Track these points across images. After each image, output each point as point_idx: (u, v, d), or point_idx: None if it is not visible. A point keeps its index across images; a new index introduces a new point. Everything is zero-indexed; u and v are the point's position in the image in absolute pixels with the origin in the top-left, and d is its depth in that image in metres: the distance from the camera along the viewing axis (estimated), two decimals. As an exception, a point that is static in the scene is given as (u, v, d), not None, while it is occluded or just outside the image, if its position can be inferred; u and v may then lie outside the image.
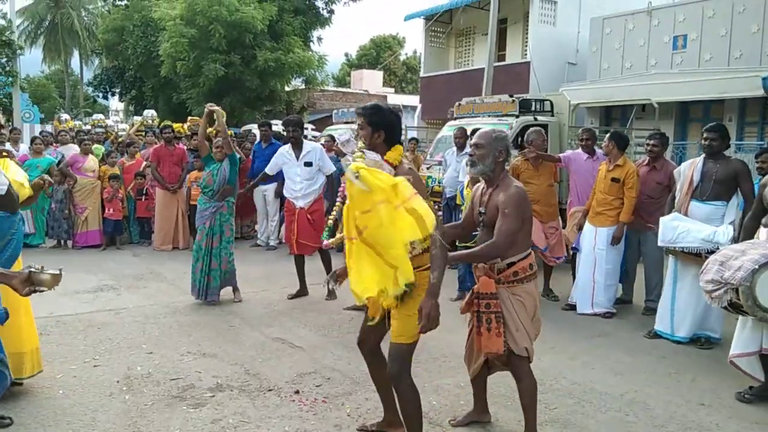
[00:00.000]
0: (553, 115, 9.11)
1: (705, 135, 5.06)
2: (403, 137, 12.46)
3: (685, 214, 5.05)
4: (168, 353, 4.66)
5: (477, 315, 3.19)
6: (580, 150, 6.59)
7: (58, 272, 2.68)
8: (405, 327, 2.91)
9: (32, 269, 2.69)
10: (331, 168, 6.39)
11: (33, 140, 9.29)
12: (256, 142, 9.74)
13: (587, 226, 6.06)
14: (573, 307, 6.10)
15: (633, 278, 6.35)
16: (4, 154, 4.11)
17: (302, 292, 6.34)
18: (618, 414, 3.77)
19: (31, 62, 38.86)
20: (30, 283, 2.69)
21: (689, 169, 5.12)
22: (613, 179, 5.83)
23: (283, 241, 6.50)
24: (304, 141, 6.37)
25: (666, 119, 11.30)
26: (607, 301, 5.93)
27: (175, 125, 10.91)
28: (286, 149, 6.31)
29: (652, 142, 5.94)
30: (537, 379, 4.07)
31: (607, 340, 5.25)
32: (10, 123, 15.81)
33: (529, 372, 3.26)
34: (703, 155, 5.11)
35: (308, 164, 6.16)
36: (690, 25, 12.39)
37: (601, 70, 13.81)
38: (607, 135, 6.07)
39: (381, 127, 2.95)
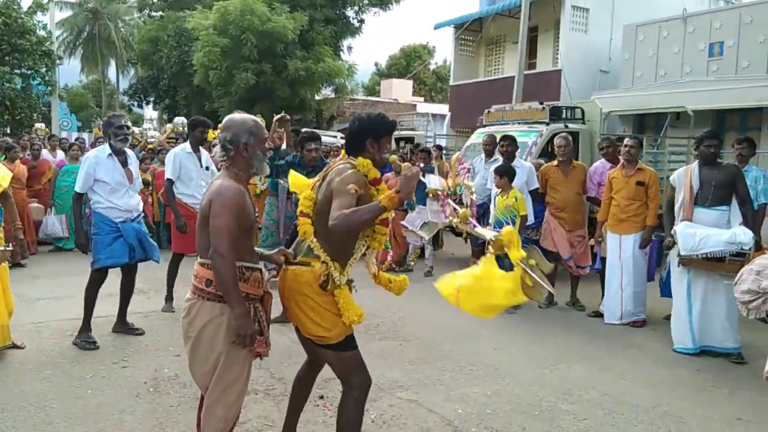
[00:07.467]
0: (584, 123, 8.99)
1: (735, 145, 5.47)
2: (426, 144, 12.34)
3: (690, 221, 5.00)
4: (195, 356, 4.68)
5: None
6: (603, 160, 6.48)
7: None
8: None
9: None
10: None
11: (70, 147, 9.57)
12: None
13: (610, 236, 5.92)
14: (599, 315, 6.01)
15: None
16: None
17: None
18: (650, 427, 3.66)
19: (70, 72, 39.96)
20: None
21: (686, 177, 5.09)
22: (639, 183, 5.72)
23: (174, 251, 6.40)
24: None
25: (702, 127, 10.95)
26: (635, 309, 5.80)
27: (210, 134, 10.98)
28: (187, 150, 5.96)
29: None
30: (566, 389, 3.95)
31: (640, 352, 5.12)
32: (49, 131, 16.26)
33: None
34: (696, 162, 5.12)
35: (208, 168, 6.03)
36: (727, 32, 12.12)
37: (634, 77, 13.60)
38: (629, 140, 5.86)
39: None
